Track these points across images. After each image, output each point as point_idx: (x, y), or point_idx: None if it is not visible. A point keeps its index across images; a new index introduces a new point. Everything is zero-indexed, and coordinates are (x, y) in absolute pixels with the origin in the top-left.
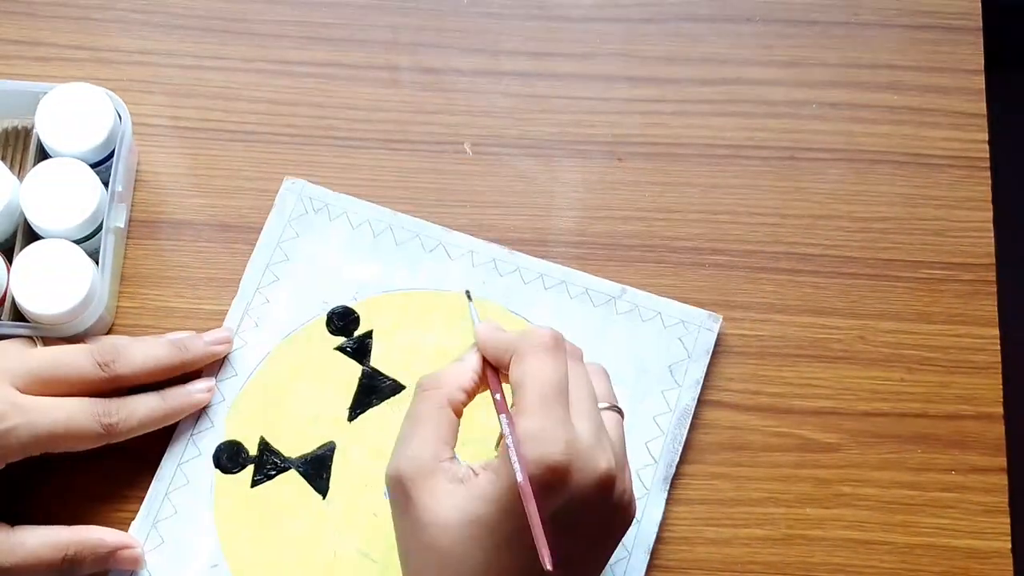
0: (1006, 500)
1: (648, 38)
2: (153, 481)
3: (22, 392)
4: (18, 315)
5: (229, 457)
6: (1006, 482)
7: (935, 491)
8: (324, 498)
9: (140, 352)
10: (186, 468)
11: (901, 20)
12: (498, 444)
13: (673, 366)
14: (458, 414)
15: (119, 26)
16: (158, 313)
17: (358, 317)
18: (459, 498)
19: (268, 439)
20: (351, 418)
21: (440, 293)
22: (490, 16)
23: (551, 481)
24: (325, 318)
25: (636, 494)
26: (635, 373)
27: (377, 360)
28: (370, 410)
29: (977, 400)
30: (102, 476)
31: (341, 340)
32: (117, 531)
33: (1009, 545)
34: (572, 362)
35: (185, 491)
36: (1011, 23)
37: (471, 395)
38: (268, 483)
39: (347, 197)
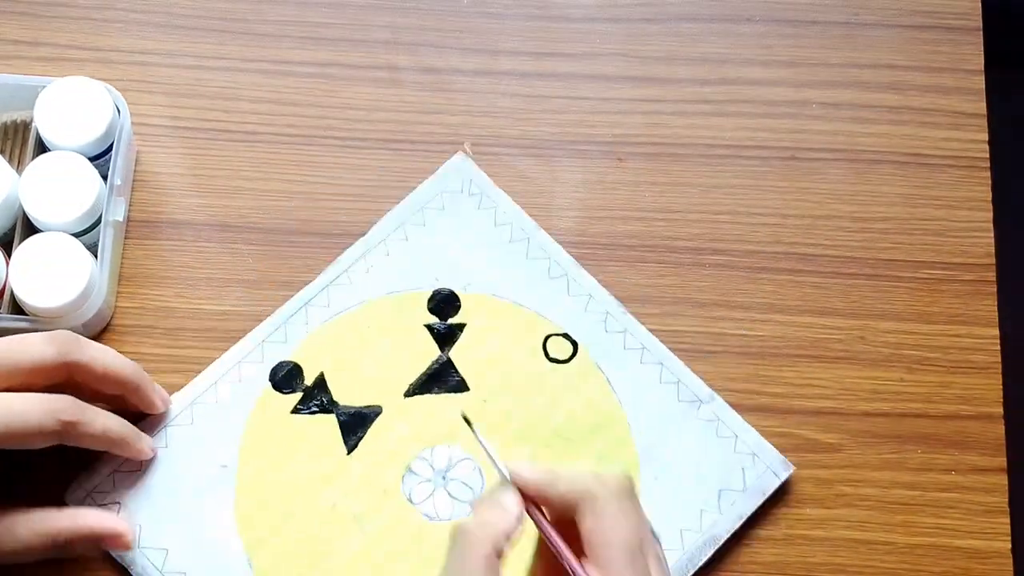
0: (1006, 500)
1: (648, 38)
2: (213, 363)
3: None
4: (17, 308)
5: (285, 377)
6: (1006, 482)
7: (935, 491)
8: (348, 454)
9: (99, 347)
10: (243, 368)
11: (901, 20)
12: None
13: (723, 492)
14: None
15: (119, 26)
16: (158, 313)
17: (460, 306)
18: None
19: (327, 377)
20: (408, 394)
21: (544, 320)
22: (490, 16)
23: None
24: (430, 293)
25: None
26: (685, 481)
27: (456, 353)
28: (427, 395)
29: (977, 400)
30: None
31: (434, 320)
32: (108, 516)
33: (1009, 545)
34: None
35: (233, 387)
36: (1011, 23)
37: (513, 544)
38: (307, 416)
39: (503, 194)
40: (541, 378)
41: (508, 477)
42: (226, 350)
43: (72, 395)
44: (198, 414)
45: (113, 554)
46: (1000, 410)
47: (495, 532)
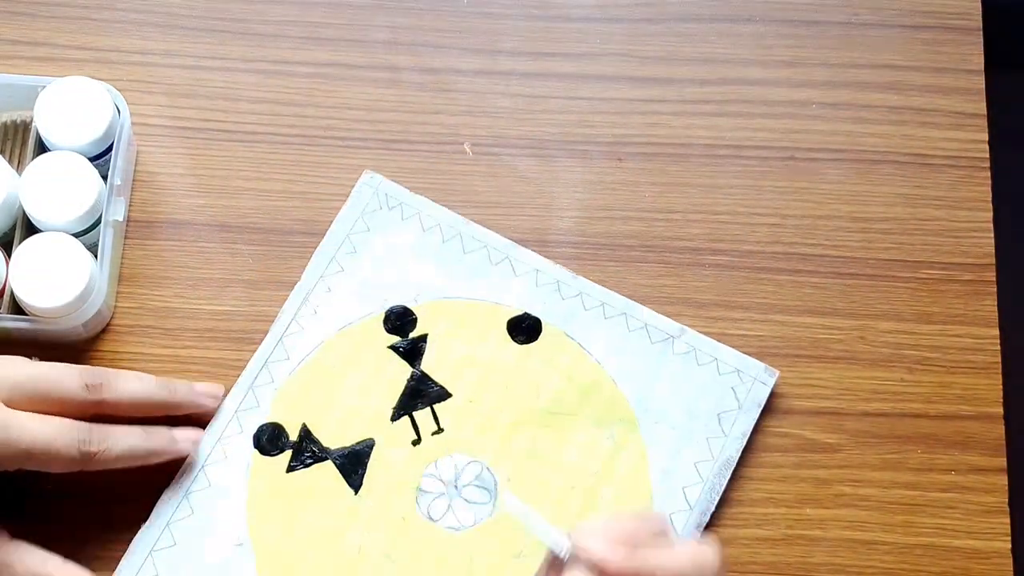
0: (1006, 500)
1: (648, 38)
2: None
3: (7, 404)
4: (17, 308)
5: (270, 439)
6: (1006, 482)
7: (935, 491)
8: (356, 494)
9: (128, 383)
10: (225, 444)
11: (901, 20)
12: None
13: (722, 415)
14: None
15: (119, 26)
16: (158, 313)
17: (416, 319)
18: None
19: (310, 427)
20: (394, 418)
21: (500, 307)
22: (490, 16)
23: None
24: (383, 315)
25: None
26: (683, 416)
27: (428, 364)
28: (413, 413)
29: (977, 400)
30: (110, 482)
31: (395, 339)
32: None
33: (1009, 545)
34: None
35: (221, 466)
36: (1011, 23)
37: None
38: (303, 471)
39: (423, 199)
40: (517, 363)
41: (565, 551)
42: (225, 350)
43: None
44: (196, 503)
45: None
46: (1000, 410)
47: None
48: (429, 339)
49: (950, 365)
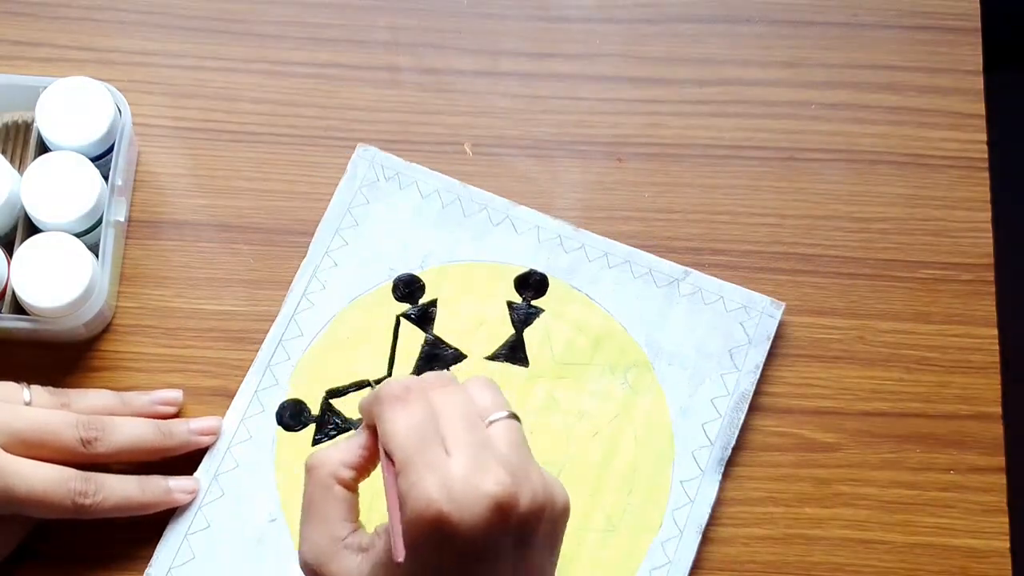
0: (1005, 499)
1: (648, 38)
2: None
3: (5, 450)
4: (18, 308)
5: (292, 415)
6: (1004, 481)
7: (934, 491)
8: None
9: (123, 433)
10: (249, 423)
11: (900, 21)
12: None
13: (733, 350)
14: (351, 489)
15: (120, 27)
16: (159, 313)
17: (424, 285)
18: (367, 566)
19: (330, 400)
20: None
21: (505, 266)
22: (490, 16)
23: (436, 533)
24: (391, 284)
25: (690, 475)
26: (695, 356)
27: (440, 328)
28: None
29: (976, 400)
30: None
31: (406, 307)
32: None
33: (1008, 544)
34: (436, 393)
35: (247, 445)
36: (1011, 23)
37: (361, 470)
38: (329, 443)
39: (418, 167)
40: (527, 318)
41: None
42: (226, 350)
43: None
44: (225, 484)
45: None
46: (999, 410)
47: (332, 462)
48: (439, 303)
49: (949, 365)
